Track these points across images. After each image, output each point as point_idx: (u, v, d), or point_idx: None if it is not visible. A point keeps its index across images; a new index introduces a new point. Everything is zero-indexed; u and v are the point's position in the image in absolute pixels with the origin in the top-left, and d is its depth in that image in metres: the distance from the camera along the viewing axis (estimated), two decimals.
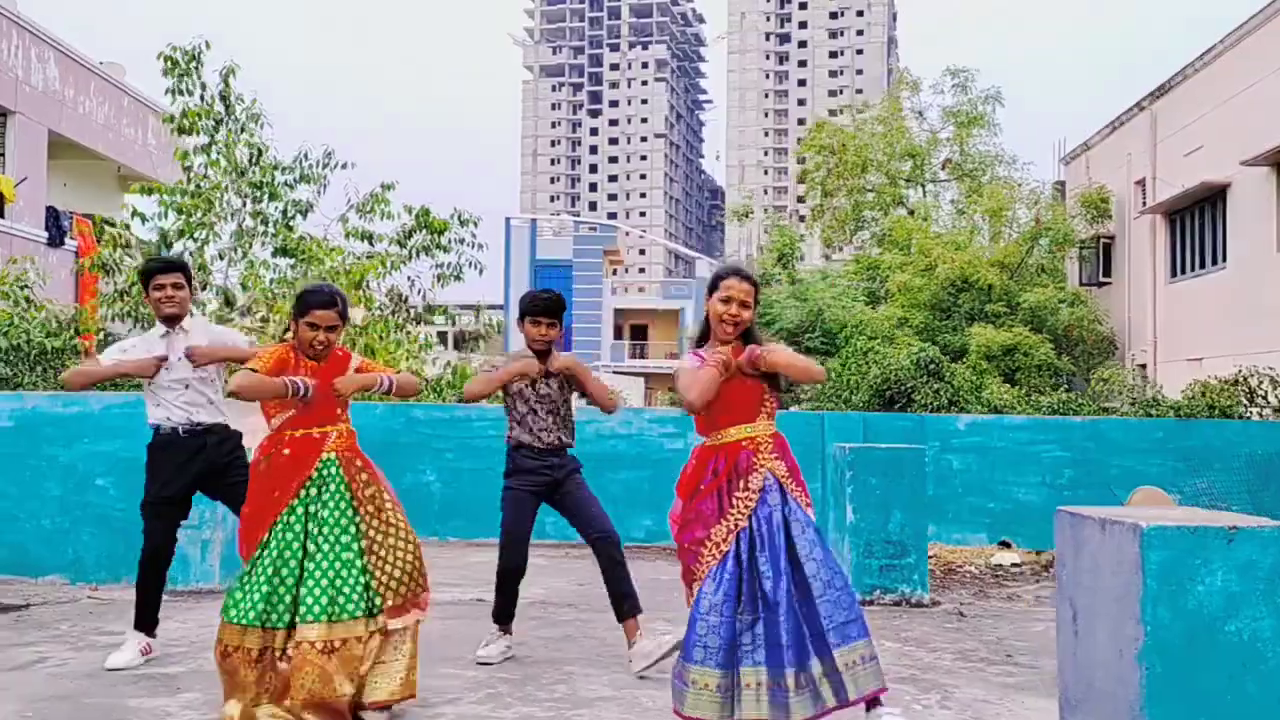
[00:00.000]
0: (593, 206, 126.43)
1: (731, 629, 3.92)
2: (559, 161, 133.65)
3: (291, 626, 4.19)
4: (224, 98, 12.52)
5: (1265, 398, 12.98)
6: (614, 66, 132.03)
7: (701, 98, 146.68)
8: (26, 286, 13.21)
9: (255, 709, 4.15)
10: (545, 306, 5.36)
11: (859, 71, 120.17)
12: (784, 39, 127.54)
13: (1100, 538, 3.12)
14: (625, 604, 5.26)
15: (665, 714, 4.52)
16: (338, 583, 4.24)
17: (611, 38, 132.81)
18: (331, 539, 4.31)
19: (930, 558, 8.83)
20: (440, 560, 7.72)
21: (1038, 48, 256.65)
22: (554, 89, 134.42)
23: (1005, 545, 9.57)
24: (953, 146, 29.04)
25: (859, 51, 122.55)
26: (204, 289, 12.99)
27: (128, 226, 13.80)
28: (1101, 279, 25.24)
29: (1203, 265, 21.12)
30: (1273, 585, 2.88)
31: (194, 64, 12.18)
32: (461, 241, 14.04)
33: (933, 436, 9.79)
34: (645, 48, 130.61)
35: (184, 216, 12.69)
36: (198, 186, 12.70)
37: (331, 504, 4.36)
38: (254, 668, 4.17)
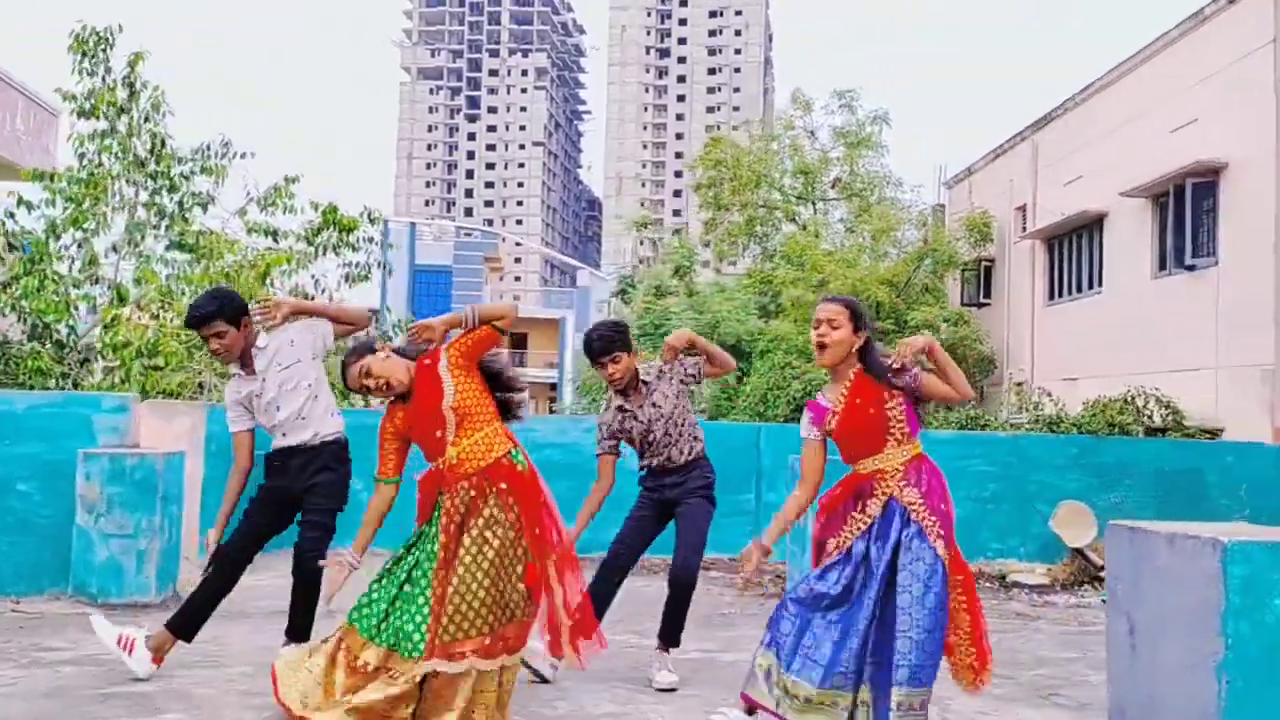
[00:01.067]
0: (469, 212, 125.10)
1: (801, 631, 4.02)
2: (435, 165, 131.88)
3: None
4: (129, 84, 11.96)
5: (1151, 416, 13.67)
6: (493, 72, 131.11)
7: (581, 108, 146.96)
8: None
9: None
10: (600, 344, 5.19)
11: (736, 90, 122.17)
12: (663, 54, 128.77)
13: (1169, 553, 3.21)
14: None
15: None
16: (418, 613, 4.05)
17: (491, 43, 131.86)
18: (408, 569, 4.13)
19: None
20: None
21: (914, 75, 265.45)
22: (431, 92, 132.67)
23: None
24: (843, 166, 29.74)
25: (736, 70, 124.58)
26: (94, 283, 12.37)
27: (11, 215, 13.02)
28: (982, 300, 26.21)
29: (1079, 289, 22.12)
30: None
31: (103, 46, 11.59)
32: (371, 240, 13.72)
33: None
34: (525, 55, 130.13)
35: (74, 205, 12.07)
36: (90, 174, 12.09)
37: (425, 541, 4.16)
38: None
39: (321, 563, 4.57)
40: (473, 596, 3.97)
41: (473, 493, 4.09)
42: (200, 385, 11.12)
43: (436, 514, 4.13)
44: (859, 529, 4.11)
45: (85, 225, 12.04)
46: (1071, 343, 21.53)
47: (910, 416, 4.21)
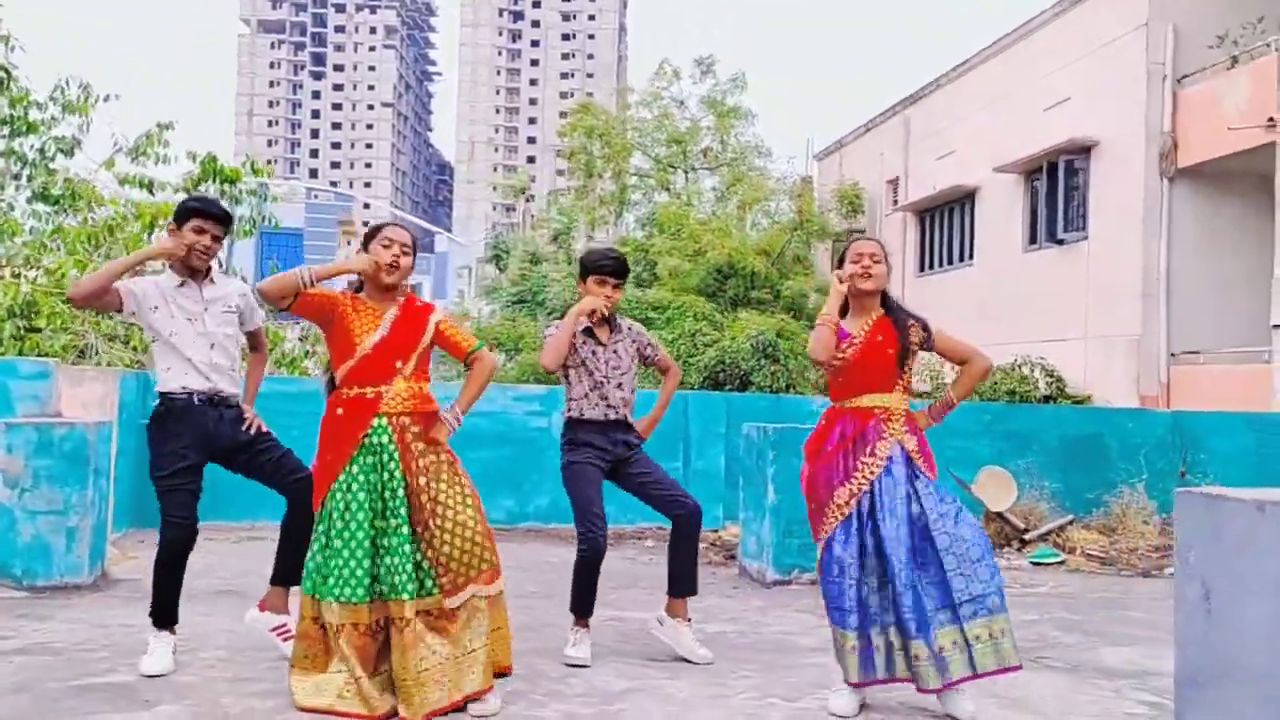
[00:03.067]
0: (314, 174, 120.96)
1: (859, 590, 4.04)
2: (277, 124, 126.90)
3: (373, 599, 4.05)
4: None
5: (1037, 384, 14.23)
6: (339, 29, 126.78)
7: (431, 69, 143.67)
8: None
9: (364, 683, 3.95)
10: (616, 264, 4.99)
11: (590, 56, 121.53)
12: (517, 16, 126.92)
13: (1259, 518, 3.25)
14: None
15: (695, 701, 4.37)
16: (408, 559, 4.05)
17: None
18: (376, 514, 4.07)
19: None
20: None
21: (783, 49, 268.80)
22: (273, 46, 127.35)
23: None
24: (714, 135, 29.89)
25: (591, 36, 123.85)
26: None
27: None
28: None
29: (950, 261, 22.86)
30: None
31: None
32: (253, 194, 13.07)
33: (789, 418, 10.01)
34: (374, 12, 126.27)
35: None
36: None
37: (373, 479, 4.08)
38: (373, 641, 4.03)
39: None
40: (467, 529, 4.11)
41: (417, 430, 4.16)
42: (83, 350, 10.36)
43: (368, 457, 4.08)
44: (874, 472, 4.12)
45: None
46: (943, 313, 22.12)
47: (911, 371, 4.36)
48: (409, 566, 4.01)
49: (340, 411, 4.15)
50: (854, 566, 4.07)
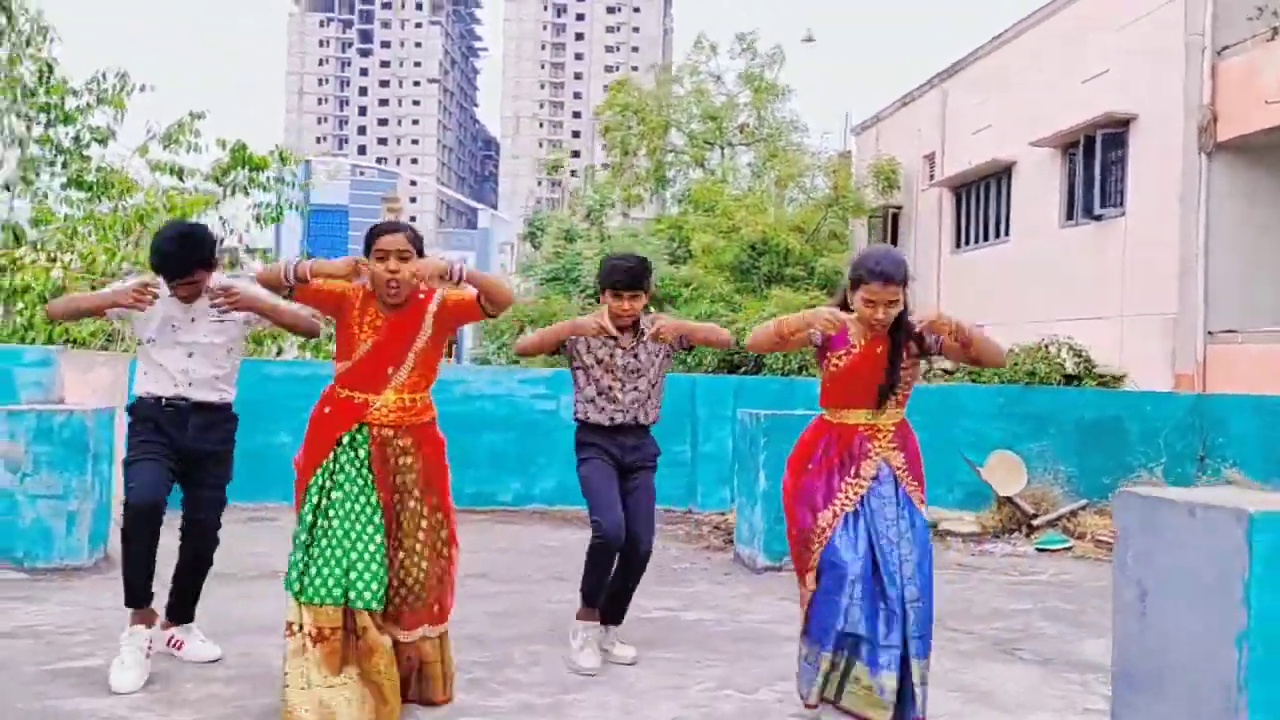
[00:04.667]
0: (362, 150, 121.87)
1: (835, 612, 3.79)
2: (326, 101, 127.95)
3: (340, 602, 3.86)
4: (3, 7, 11.19)
5: (1064, 364, 14.02)
6: (386, 5, 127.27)
7: (477, 44, 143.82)
8: None
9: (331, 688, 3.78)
10: (629, 275, 4.69)
11: (636, 29, 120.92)
12: None
13: (1189, 522, 3.21)
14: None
15: (653, 693, 4.40)
16: (383, 568, 3.90)
17: None
18: (367, 517, 3.91)
19: None
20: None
21: (823, 21, 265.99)
22: (322, 24, 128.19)
23: None
24: (750, 111, 29.69)
25: (636, 9, 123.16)
26: None
27: None
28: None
29: (986, 237, 22.54)
30: None
31: None
32: (281, 180, 13.23)
33: (800, 401, 9.97)
34: None
35: None
36: None
37: (348, 484, 3.93)
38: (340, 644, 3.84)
39: None
40: (419, 568, 4.02)
41: (404, 444, 4.01)
42: (111, 336, 10.57)
43: (346, 458, 3.97)
44: (857, 493, 3.94)
45: None
46: (979, 290, 21.95)
47: (910, 385, 4.08)
48: (380, 577, 3.89)
49: (327, 410, 4.05)
50: (849, 577, 3.80)
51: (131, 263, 11.10)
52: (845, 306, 4.05)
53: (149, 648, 4.36)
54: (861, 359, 3.97)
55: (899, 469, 4.03)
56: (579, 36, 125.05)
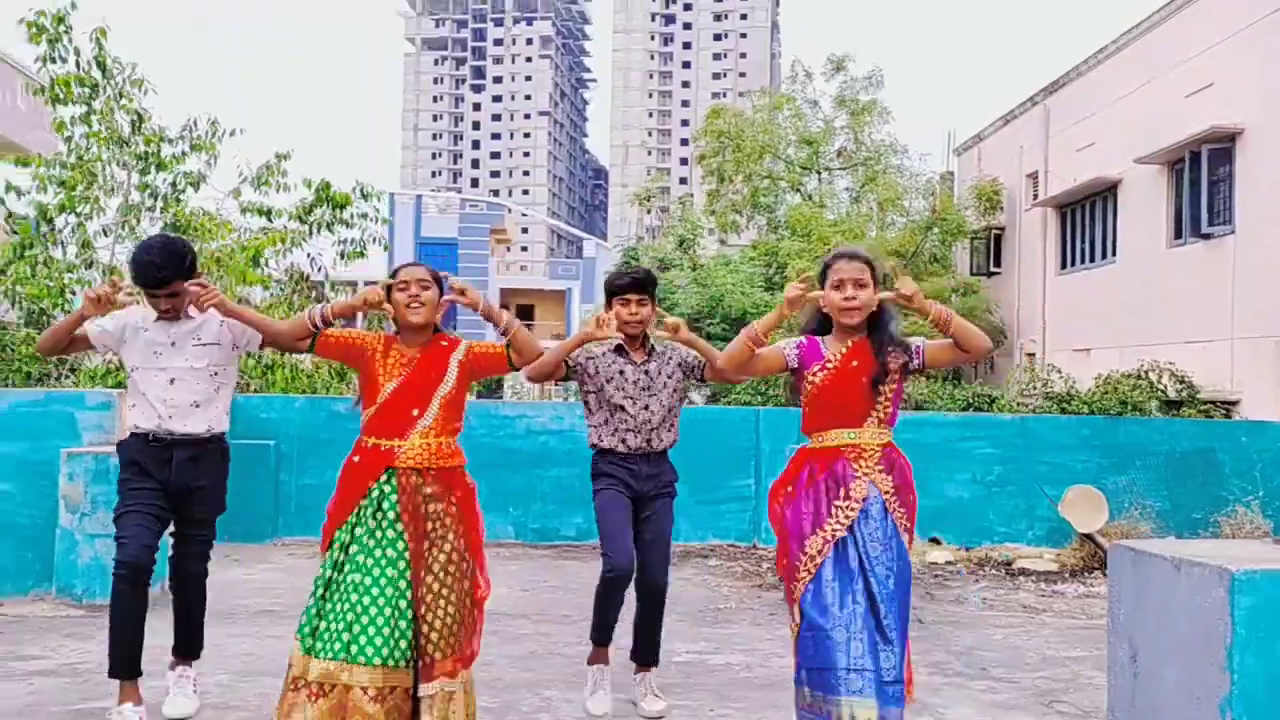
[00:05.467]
0: (475, 183, 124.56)
1: (833, 649, 3.59)
2: (440, 137, 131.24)
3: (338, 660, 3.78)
4: (99, 63, 11.72)
5: (1165, 390, 13.42)
6: (498, 42, 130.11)
7: (586, 76, 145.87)
8: None
9: None
10: (634, 282, 4.71)
11: (743, 55, 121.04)
12: (669, 20, 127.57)
13: (1175, 578, 3.00)
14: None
15: None
16: (394, 621, 3.81)
17: (495, 12, 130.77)
18: (381, 570, 3.86)
19: None
20: None
21: (925, 39, 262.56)
22: (436, 63, 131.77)
23: (935, 542, 9.62)
24: (847, 135, 29.36)
25: (743, 35, 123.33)
26: (88, 267, 12.23)
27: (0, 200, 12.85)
28: (992, 269, 25.86)
29: (1092, 258, 21.79)
30: None
31: (62, 27, 11.35)
32: (364, 216, 13.52)
33: None
34: (530, 23, 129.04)
35: (65, 190, 11.89)
36: (79, 158, 11.90)
37: (379, 532, 3.91)
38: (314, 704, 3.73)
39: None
40: (447, 614, 3.90)
41: (430, 491, 3.96)
42: None
43: (370, 510, 3.93)
44: (850, 515, 3.73)
45: (78, 209, 11.89)
46: (1084, 313, 21.23)
47: (895, 402, 3.90)
48: (385, 634, 3.80)
49: (357, 460, 4.03)
50: (836, 612, 3.63)
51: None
52: (824, 330, 3.94)
53: None
54: (838, 374, 3.83)
55: (886, 494, 3.81)
56: (685, 65, 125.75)
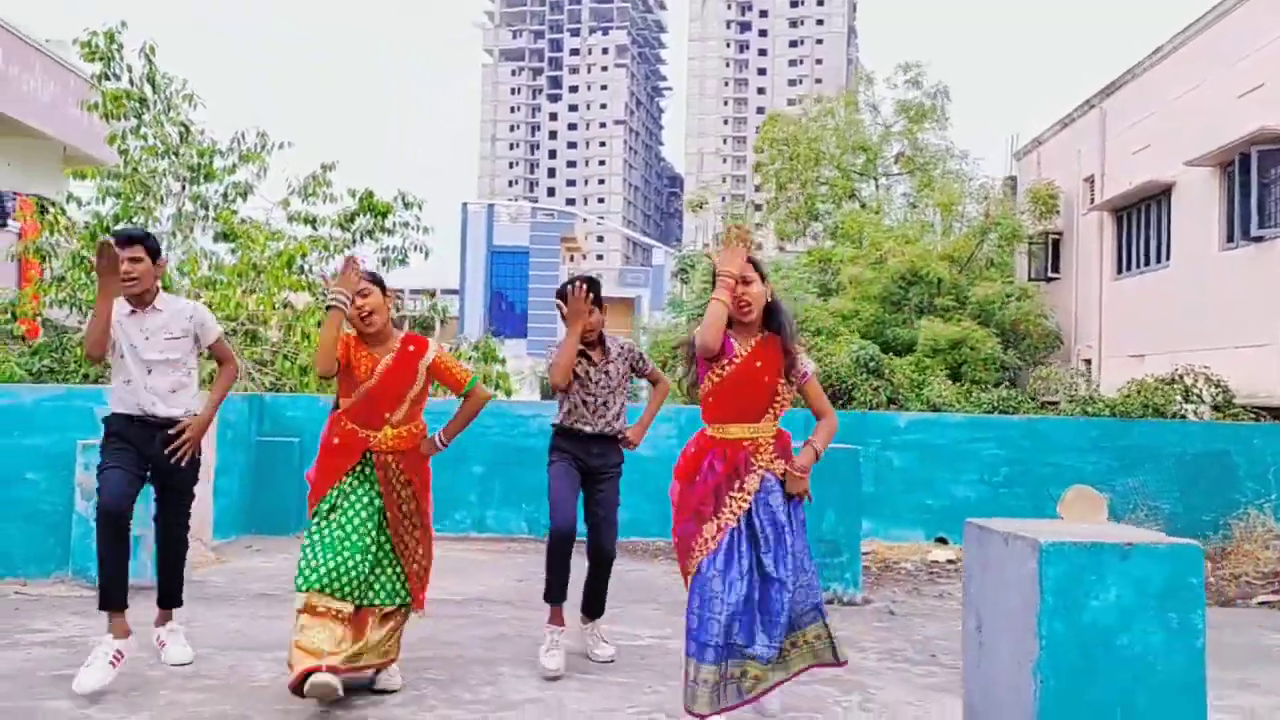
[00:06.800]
0: (551, 193, 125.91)
1: (728, 624, 3.92)
2: (518, 146, 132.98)
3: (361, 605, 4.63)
4: (149, 78, 12.32)
5: (1200, 396, 13.24)
6: (574, 51, 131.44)
7: (661, 84, 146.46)
8: None
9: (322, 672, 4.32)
10: (572, 290, 5.19)
11: (819, 61, 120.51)
12: (744, 27, 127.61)
13: (1004, 552, 3.18)
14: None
15: (580, 716, 4.55)
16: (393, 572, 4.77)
17: (572, 22, 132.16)
18: (346, 526, 4.61)
19: (867, 554, 8.95)
20: None
21: (996, 39, 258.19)
22: (514, 73, 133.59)
23: (942, 541, 9.70)
24: (904, 140, 29.25)
25: (819, 41, 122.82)
26: None
27: (63, 210, 13.56)
28: (1049, 274, 25.56)
29: (1147, 263, 21.45)
30: (1164, 600, 2.95)
31: (114, 46, 11.97)
32: (406, 225, 13.95)
33: (874, 434, 9.88)
34: (606, 33, 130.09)
35: (121, 200, 12.51)
36: (134, 170, 12.52)
37: (353, 495, 4.67)
38: (327, 627, 4.46)
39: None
40: (416, 558, 4.86)
41: (400, 468, 4.74)
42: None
43: (351, 482, 4.69)
44: (741, 507, 4.04)
45: (133, 219, 12.52)
46: (1138, 318, 20.89)
47: (786, 402, 4.21)
48: (395, 579, 4.77)
49: (336, 441, 4.75)
50: (724, 598, 3.92)
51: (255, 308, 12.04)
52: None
53: (116, 657, 4.77)
54: (742, 369, 4.10)
55: (782, 475, 4.18)
56: (761, 71, 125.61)
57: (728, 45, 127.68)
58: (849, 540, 7.22)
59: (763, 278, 4.19)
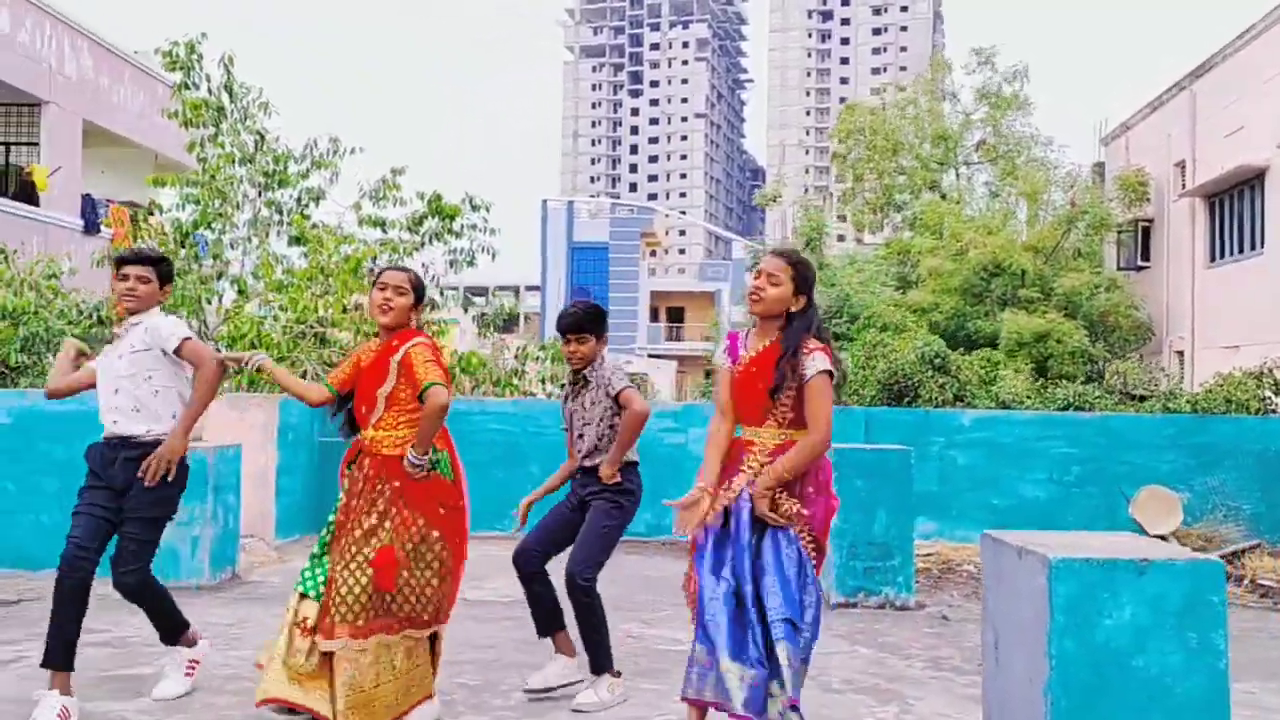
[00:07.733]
0: (633, 188, 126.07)
1: (706, 612, 3.85)
2: (599, 142, 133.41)
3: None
4: (227, 88, 12.58)
5: None
6: (654, 46, 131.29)
7: (742, 76, 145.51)
8: (54, 276, 13.29)
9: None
10: (569, 323, 5.01)
11: (903, 49, 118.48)
12: (826, 16, 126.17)
13: (1017, 565, 3.05)
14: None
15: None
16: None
17: (652, 17, 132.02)
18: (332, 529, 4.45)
19: (930, 555, 8.76)
20: None
21: (1085, 19, 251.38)
22: (594, 69, 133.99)
23: None
24: (986, 128, 28.61)
25: (903, 28, 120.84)
26: (219, 279, 13.10)
27: (150, 215, 13.94)
28: (1140, 263, 24.77)
29: (1241, 250, 20.68)
30: (1183, 619, 2.80)
31: (194, 56, 12.24)
32: (474, 227, 14.03)
33: (937, 432, 9.66)
34: (686, 27, 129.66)
35: (200, 207, 12.81)
36: (212, 177, 12.81)
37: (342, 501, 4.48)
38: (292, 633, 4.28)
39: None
40: (348, 586, 4.24)
41: (371, 474, 4.37)
42: (303, 375, 11.66)
43: (349, 481, 4.46)
44: (723, 504, 3.93)
45: (211, 224, 12.82)
46: (1232, 308, 20.15)
47: (798, 408, 3.92)
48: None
49: (349, 443, 4.64)
50: (710, 588, 3.86)
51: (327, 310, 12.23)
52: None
53: (64, 715, 4.42)
54: (743, 374, 4.00)
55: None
56: (844, 61, 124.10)
57: (809, 35, 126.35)
58: (901, 543, 7.06)
59: (799, 285, 3.99)
